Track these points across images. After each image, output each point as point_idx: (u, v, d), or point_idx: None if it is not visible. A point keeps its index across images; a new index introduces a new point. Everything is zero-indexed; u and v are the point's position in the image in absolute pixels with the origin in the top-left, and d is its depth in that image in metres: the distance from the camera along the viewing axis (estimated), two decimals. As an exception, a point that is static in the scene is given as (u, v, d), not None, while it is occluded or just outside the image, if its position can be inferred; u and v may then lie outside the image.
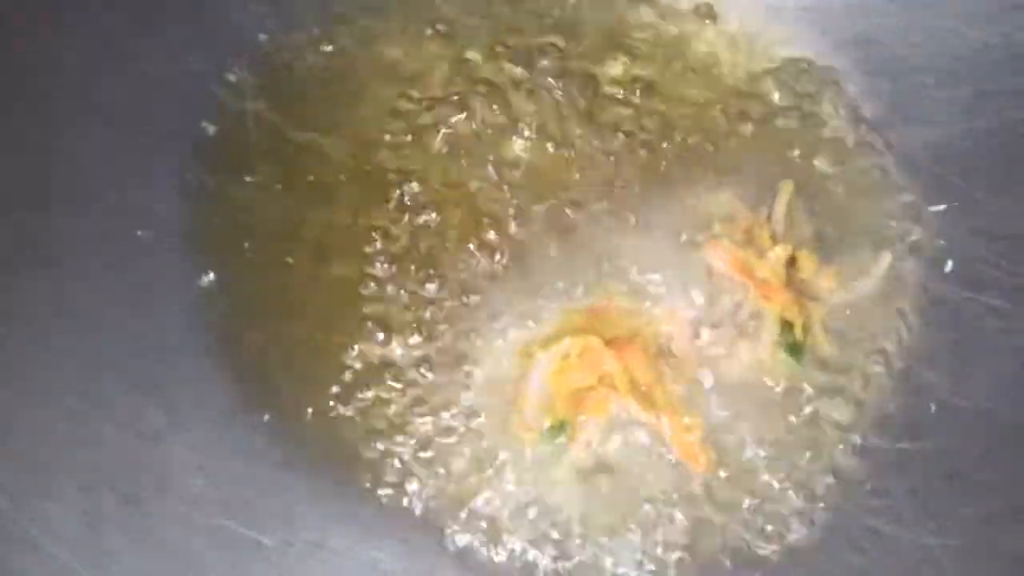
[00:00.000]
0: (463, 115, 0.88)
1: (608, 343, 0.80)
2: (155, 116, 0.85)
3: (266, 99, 0.89)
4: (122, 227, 0.81)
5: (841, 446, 0.80)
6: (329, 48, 0.91)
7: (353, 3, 0.93)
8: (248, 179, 0.86)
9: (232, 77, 0.88)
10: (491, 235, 0.85)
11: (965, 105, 0.88)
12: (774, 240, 0.83)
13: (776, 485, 0.80)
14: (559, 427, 0.79)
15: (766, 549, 0.79)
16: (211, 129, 0.87)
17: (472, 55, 0.92)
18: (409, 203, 0.86)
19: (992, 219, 0.86)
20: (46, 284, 0.76)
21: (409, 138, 0.88)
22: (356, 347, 0.82)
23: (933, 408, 0.81)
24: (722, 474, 0.79)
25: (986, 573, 0.75)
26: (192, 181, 0.85)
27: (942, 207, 0.87)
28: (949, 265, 0.85)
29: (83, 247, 0.79)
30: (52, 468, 0.71)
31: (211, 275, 0.83)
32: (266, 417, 0.79)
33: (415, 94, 0.90)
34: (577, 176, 0.87)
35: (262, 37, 0.90)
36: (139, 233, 0.81)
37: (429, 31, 0.92)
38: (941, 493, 0.78)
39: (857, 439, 0.81)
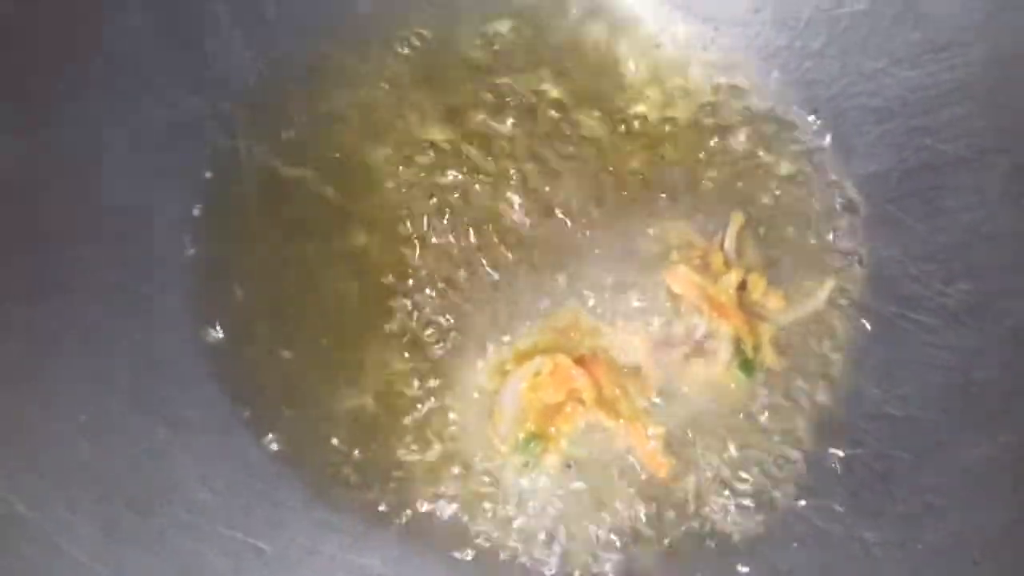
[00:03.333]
0: (446, 157, 0.96)
1: (576, 360, 0.87)
2: (155, 152, 0.91)
3: (258, 137, 0.96)
4: (130, 256, 0.87)
5: (787, 451, 0.88)
6: (316, 89, 0.98)
7: (338, 45, 1.01)
8: (244, 212, 0.93)
9: (224, 117, 0.95)
10: (467, 263, 0.92)
11: (897, 139, 0.96)
12: (727, 265, 0.91)
13: (727, 488, 0.87)
14: (532, 439, 0.86)
15: (715, 542, 0.86)
16: (207, 164, 0.94)
17: (450, 92, 0.99)
18: (395, 231, 0.93)
19: (922, 243, 0.93)
20: (62, 308, 0.82)
21: (395, 171, 0.96)
22: (343, 371, 0.89)
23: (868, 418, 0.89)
24: (679, 477, 0.87)
25: (913, 563, 0.82)
26: (192, 213, 0.92)
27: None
28: (883, 285, 0.94)
29: (95, 275, 0.85)
30: (72, 480, 0.76)
31: (212, 299, 0.90)
32: (269, 437, 0.86)
33: (397, 133, 0.98)
34: (545, 206, 0.95)
35: (252, 79, 0.97)
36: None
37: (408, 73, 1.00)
38: (875, 494, 0.85)
39: (801, 445, 0.88)
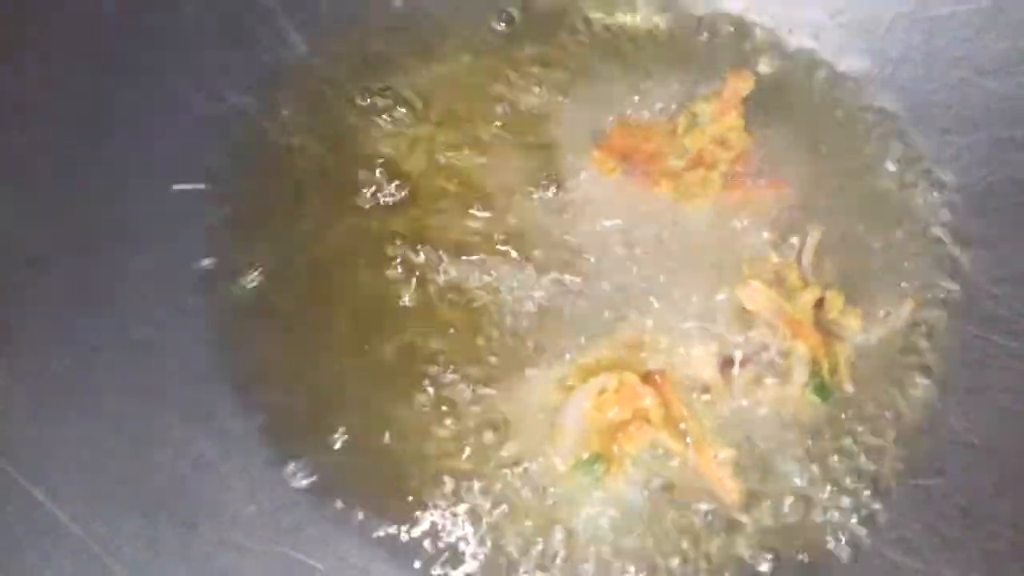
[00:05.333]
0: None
1: (643, 378, 0.83)
2: (200, 153, 0.88)
3: (309, 131, 0.92)
4: (175, 264, 0.84)
5: (861, 481, 0.84)
6: (368, 84, 0.94)
7: (391, 41, 0.97)
8: (291, 209, 0.90)
9: (276, 112, 0.92)
10: (529, 271, 0.88)
11: (982, 152, 0.92)
12: (803, 281, 0.87)
13: (799, 515, 0.83)
14: (595, 458, 0.82)
15: (785, 573, 0.82)
16: (254, 161, 0.91)
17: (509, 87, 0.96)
18: (455, 234, 0.89)
19: (1007, 263, 0.90)
20: (107, 321, 0.79)
21: (453, 169, 0.92)
22: (397, 380, 0.85)
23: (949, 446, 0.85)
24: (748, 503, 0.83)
25: (997, 604, 0.78)
26: (241, 215, 0.88)
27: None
28: (966, 307, 0.89)
29: (139, 285, 0.82)
30: (117, 496, 0.73)
31: (258, 306, 0.86)
32: (310, 446, 0.83)
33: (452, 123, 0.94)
34: (613, 214, 0.91)
35: (304, 72, 0.94)
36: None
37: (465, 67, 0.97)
38: (956, 527, 0.81)
39: (877, 473, 0.84)
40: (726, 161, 0.92)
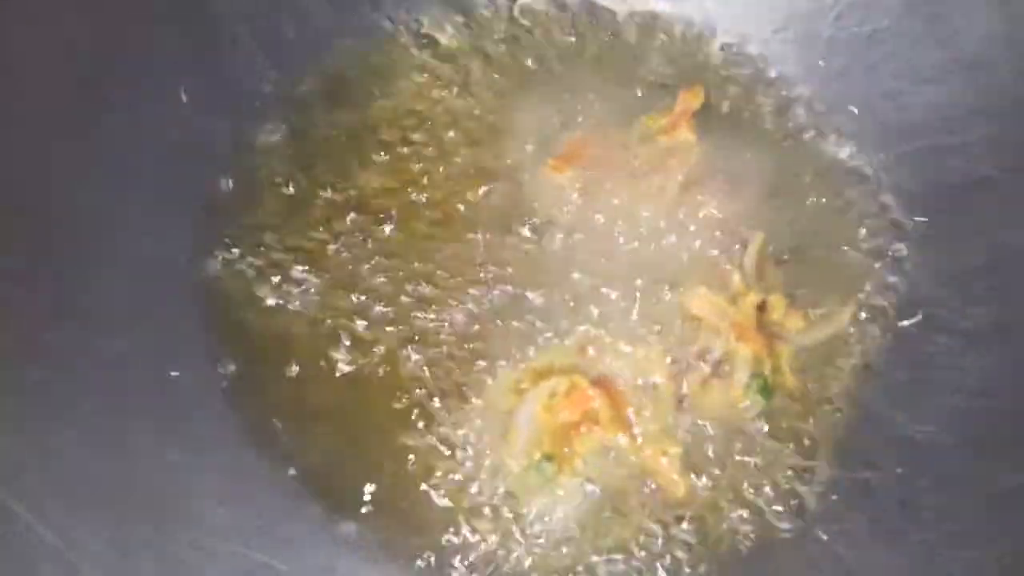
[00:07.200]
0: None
1: (592, 381, 0.87)
2: (176, 177, 0.92)
3: (279, 158, 0.97)
4: (148, 282, 0.88)
5: (804, 475, 0.87)
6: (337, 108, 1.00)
7: (357, 64, 1.02)
8: (264, 235, 0.94)
9: (246, 138, 0.97)
10: (481, 279, 0.92)
11: (922, 159, 0.95)
12: (746, 286, 0.90)
13: (743, 509, 0.86)
14: (546, 459, 0.86)
15: (729, 565, 0.85)
16: (229, 186, 0.96)
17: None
18: (413, 248, 0.94)
19: (946, 264, 0.93)
20: (82, 334, 0.82)
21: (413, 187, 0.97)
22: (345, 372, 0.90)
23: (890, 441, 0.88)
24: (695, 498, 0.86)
25: (936, 592, 0.81)
26: (210, 237, 0.93)
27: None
28: (906, 307, 0.92)
29: (114, 301, 0.85)
30: (90, 502, 0.76)
31: (227, 322, 0.91)
32: (277, 448, 0.87)
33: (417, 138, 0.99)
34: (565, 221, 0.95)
35: (274, 99, 0.99)
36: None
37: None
38: (895, 519, 0.84)
39: (820, 468, 0.87)
40: (678, 171, 0.95)
